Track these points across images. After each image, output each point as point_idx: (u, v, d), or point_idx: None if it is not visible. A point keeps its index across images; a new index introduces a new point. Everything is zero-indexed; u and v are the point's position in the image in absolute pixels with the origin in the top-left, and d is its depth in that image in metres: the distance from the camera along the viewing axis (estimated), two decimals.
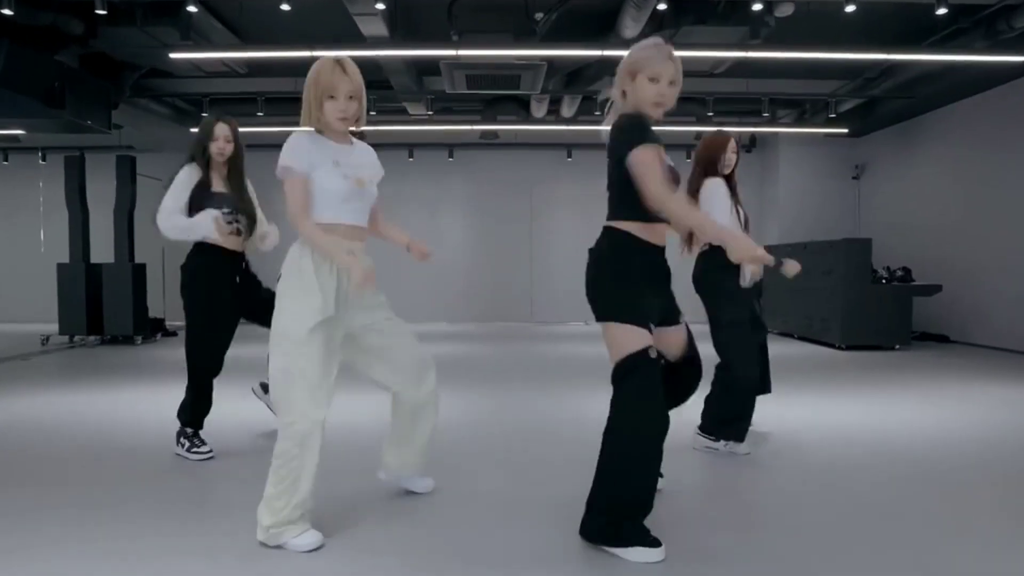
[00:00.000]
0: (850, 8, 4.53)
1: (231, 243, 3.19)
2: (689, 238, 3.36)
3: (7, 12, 4.51)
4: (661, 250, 2.22)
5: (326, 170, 2.22)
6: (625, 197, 2.14)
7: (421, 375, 2.51)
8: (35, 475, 3.02)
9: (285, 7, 4.48)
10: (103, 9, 4.52)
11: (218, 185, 3.19)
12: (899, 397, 4.81)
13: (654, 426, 2.09)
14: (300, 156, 2.18)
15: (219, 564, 2.07)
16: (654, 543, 2.08)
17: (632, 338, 2.09)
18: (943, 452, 3.39)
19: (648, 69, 2.08)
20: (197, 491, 2.81)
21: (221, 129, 3.18)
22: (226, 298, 3.20)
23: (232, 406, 4.07)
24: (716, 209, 3.24)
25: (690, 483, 2.90)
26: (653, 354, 2.11)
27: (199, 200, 3.11)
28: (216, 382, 3.28)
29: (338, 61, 2.21)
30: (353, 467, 3.00)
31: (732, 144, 3.41)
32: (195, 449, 3.17)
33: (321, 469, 2.23)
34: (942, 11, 4.58)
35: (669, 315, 2.27)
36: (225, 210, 3.14)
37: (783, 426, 3.91)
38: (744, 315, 3.30)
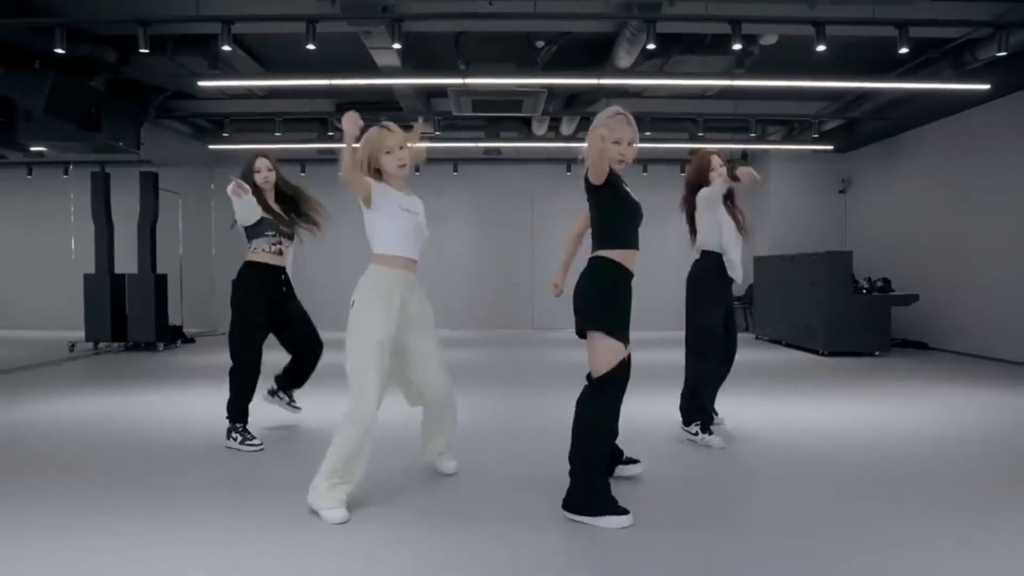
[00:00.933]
0: (820, 48, 4.99)
1: (273, 259, 3.75)
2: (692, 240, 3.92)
3: (59, 51, 4.98)
4: (632, 276, 2.72)
5: (392, 211, 2.76)
6: (604, 230, 2.67)
7: (440, 405, 3.11)
8: (90, 466, 3.47)
9: (311, 47, 4.94)
10: (146, 48, 4.98)
11: (266, 211, 3.73)
12: (873, 399, 5.25)
13: (615, 415, 2.72)
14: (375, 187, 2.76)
15: (262, 531, 2.53)
16: (622, 511, 2.57)
17: (615, 353, 2.61)
18: (911, 448, 3.82)
19: (613, 133, 2.59)
20: (236, 475, 3.27)
21: (261, 162, 3.77)
22: (265, 306, 3.75)
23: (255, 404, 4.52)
24: (713, 202, 3.72)
25: (669, 471, 3.35)
26: (626, 364, 2.65)
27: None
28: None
29: (382, 125, 2.78)
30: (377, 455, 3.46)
31: (715, 160, 3.85)
32: (248, 442, 3.64)
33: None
34: (904, 50, 5.05)
35: None
36: (269, 233, 3.70)
37: (766, 425, 4.35)
38: (718, 322, 3.81)
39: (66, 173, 10.95)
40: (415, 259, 2.87)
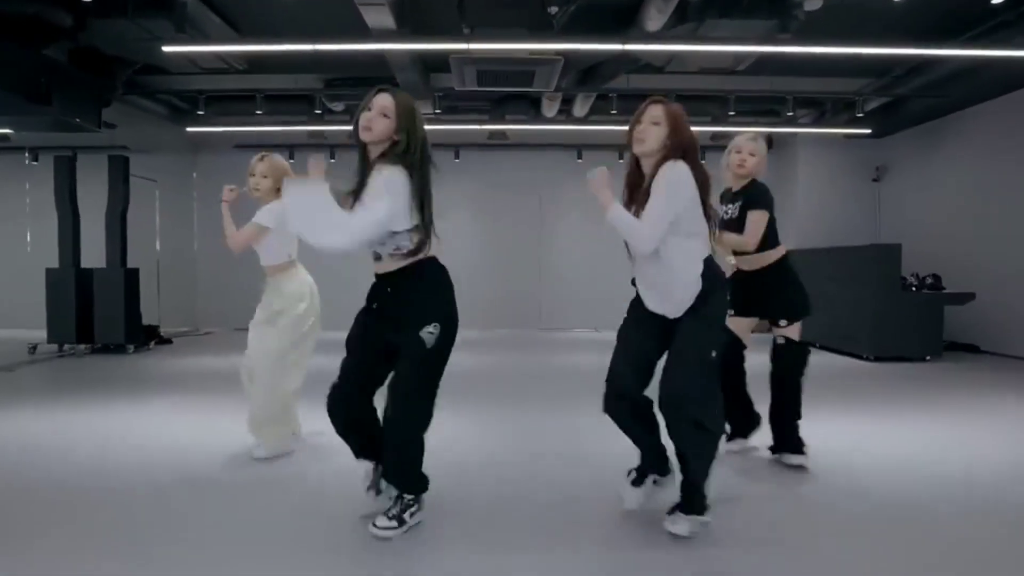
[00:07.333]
0: None
1: None
2: None
3: None
4: None
5: None
6: None
7: None
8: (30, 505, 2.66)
9: None
10: None
11: None
12: (940, 413, 4.55)
13: None
14: None
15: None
16: None
17: None
18: (978, 476, 3.11)
19: None
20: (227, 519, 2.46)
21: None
22: None
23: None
24: None
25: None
26: None
27: None
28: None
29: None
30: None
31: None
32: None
33: None
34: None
35: None
36: None
37: (822, 446, 3.55)
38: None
39: (36, 160, 10.12)
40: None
